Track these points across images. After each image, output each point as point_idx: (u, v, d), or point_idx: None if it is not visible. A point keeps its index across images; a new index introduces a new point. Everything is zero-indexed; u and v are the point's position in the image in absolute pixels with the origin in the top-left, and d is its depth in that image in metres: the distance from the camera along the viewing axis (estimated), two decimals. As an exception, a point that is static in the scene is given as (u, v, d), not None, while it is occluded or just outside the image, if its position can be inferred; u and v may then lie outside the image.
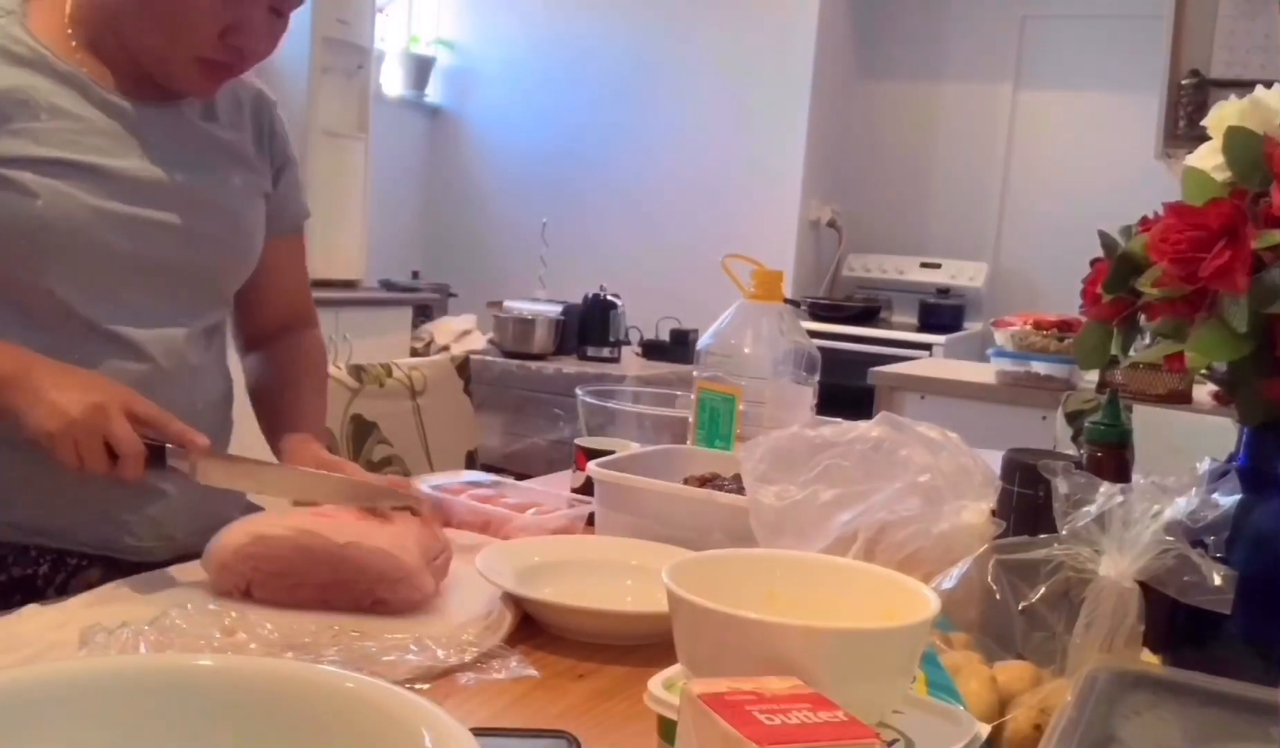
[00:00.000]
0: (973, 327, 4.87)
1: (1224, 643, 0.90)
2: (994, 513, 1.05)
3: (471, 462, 2.18)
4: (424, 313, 4.70)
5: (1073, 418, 1.57)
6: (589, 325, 4.21)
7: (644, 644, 1.02)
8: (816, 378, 1.56)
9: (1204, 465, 0.92)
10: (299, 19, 1.32)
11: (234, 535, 1.07)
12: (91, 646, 0.89)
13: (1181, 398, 2.74)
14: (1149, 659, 0.87)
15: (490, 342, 4.21)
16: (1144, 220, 1.01)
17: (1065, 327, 3.02)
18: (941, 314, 4.92)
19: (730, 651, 0.66)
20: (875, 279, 5.22)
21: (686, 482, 1.34)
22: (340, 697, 0.54)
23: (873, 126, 5.29)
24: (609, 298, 4.23)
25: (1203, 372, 1.04)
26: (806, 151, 4.96)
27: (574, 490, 1.54)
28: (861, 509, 1.05)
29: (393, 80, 5.31)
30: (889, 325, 4.88)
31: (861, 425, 1.14)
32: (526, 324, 4.10)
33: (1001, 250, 5.08)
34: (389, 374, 2.04)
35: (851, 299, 5.10)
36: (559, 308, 4.22)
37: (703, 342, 1.56)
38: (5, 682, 0.52)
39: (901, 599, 0.73)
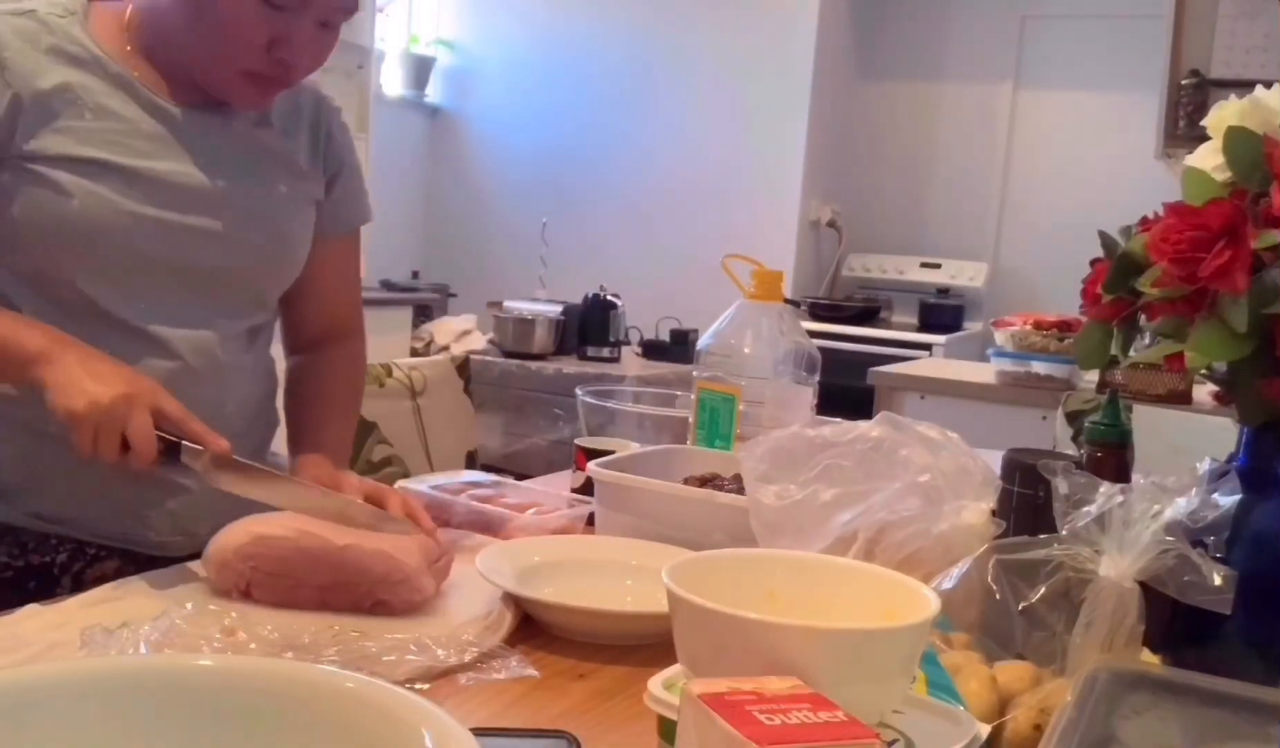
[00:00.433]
0: (973, 327, 4.87)
1: (1224, 643, 0.90)
2: (994, 513, 1.05)
3: (471, 462, 2.18)
4: (424, 313, 4.70)
5: (1073, 418, 1.57)
6: (589, 325, 4.21)
7: (644, 644, 1.02)
8: (816, 378, 1.56)
9: (1204, 465, 0.92)
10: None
11: (235, 535, 1.08)
12: (91, 646, 0.89)
13: (1181, 398, 2.74)
14: (1149, 659, 0.87)
15: (490, 342, 4.22)
16: (1144, 220, 1.01)
17: (1065, 327, 3.03)
18: (941, 314, 4.93)
19: (730, 651, 0.66)
20: (875, 279, 5.22)
21: (686, 482, 1.34)
22: (340, 697, 0.54)
23: (873, 126, 5.29)
24: (609, 298, 4.23)
25: (1203, 372, 1.03)
26: (806, 151, 4.96)
27: (574, 490, 1.54)
28: (861, 509, 1.05)
29: (393, 80, 5.31)
30: (889, 325, 4.88)
31: (861, 425, 1.14)
32: (526, 324, 4.10)
33: (1001, 250, 5.08)
34: (389, 374, 2.04)
35: (851, 299, 5.10)
36: (559, 308, 4.22)
37: (703, 342, 1.56)
38: (5, 682, 0.52)
39: (901, 599, 0.73)
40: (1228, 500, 0.87)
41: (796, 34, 4.90)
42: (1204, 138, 0.97)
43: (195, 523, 1.27)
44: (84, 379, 1.07)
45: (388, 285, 4.74)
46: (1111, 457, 1.07)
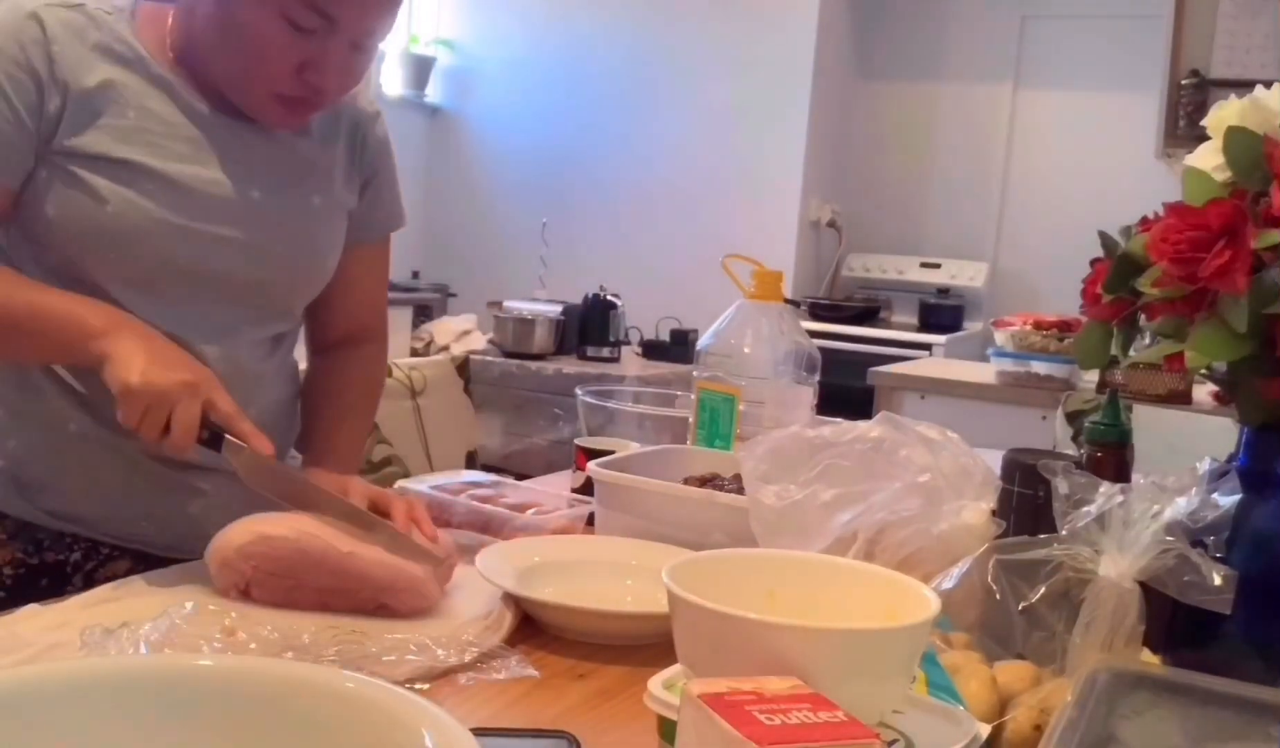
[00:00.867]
0: (973, 327, 4.87)
1: (1224, 643, 0.90)
2: (994, 513, 1.05)
3: (471, 462, 2.19)
4: (424, 313, 4.70)
5: (1073, 418, 1.57)
6: (589, 325, 4.21)
7: (644, 644, 1.02)
8: (816, 378, 1.56)
9: (1204, 465, 0.92)
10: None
11: (237, 533, 1.07)
12: (91, 646, 0.89)
13: (1181, 398, 2.75)
14: (1149, 659, 0.87)
15: (490, 342, 4.22)
16: (1144, 220, 1.01)
17: (1065, 327, 3.03)
18: (941, 314, 4.93)
19: (730, 651, 0.66)
20: (875, 279, 5.22)
21: (686, 482, 1.34)
22: (340, 697, 0.54)
23: (872, 126, 5.28)
24: (609, 298, 4.23)
25: (1203, 372, 1.04)
26: (806, 151, 4.96)
27: (574, 490, 1.54)
28: (861, 509, 1.05)
29: (393, 80, 5.31)
30: (889, 325, 4.88)
31: (861, 425, 1.14)
32: (526, 324, 4.10)
33: (1001, 250, 5.08)
34: (389, 374, 2.04)
35: (851, 299, 5.10)
36: (559, 308, 4.22)
37: (703, 342, 1.56)
38: (5, 682, 0.52)
39: (901, 599, 0.73)
40: (1228, 500, 0.87)
41: (796, 34, 4.89)
42: (1204, 138, 0.97)
43: (210, 527, 1.27)
44: (146, 358, 1.08)
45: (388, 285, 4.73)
46: (1111, 457, 1.07)
